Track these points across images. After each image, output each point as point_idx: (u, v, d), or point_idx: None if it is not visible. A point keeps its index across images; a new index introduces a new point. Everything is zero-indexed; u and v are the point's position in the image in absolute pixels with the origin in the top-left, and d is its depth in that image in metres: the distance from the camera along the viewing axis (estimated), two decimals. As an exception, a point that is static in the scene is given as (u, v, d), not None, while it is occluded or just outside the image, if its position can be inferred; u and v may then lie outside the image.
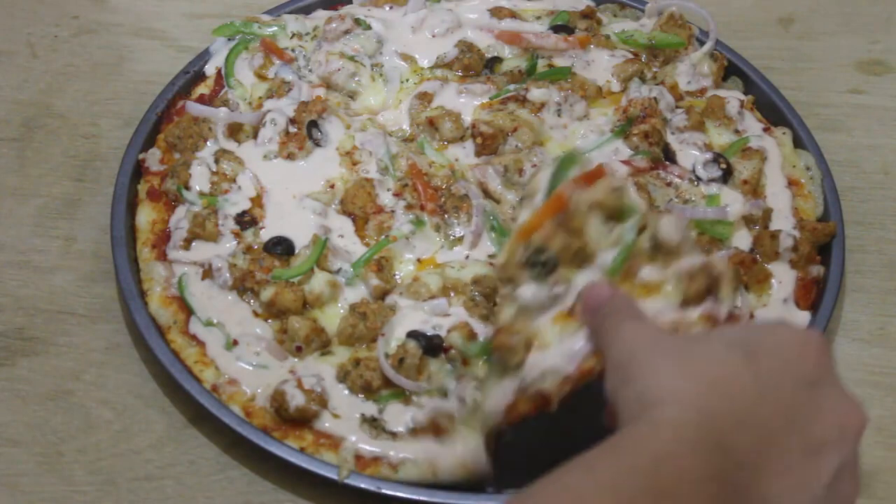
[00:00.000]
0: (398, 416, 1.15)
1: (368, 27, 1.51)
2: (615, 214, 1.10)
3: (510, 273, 1.09)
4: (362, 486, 1.12)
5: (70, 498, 1.14)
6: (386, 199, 1.34)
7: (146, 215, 1.34)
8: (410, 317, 1.23)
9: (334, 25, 1.50)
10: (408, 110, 1.45)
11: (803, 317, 1.26)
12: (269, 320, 1.24)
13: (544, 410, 1.05)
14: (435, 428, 1.14)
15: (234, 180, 1.35)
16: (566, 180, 1.11)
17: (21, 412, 1.20)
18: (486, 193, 1.36)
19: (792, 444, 0.83)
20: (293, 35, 1.53)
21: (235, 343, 1.22)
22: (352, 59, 1.47)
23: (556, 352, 1.05)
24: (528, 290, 1.08)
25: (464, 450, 1.13)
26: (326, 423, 1.16)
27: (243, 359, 1.21)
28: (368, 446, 1.14)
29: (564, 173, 1.13)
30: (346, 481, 1.12)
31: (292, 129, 1.39)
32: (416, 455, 1.13)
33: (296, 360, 1.21)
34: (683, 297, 1.06)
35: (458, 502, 1.12)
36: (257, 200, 1.34)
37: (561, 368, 1.04)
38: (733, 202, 1.33)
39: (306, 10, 1.57)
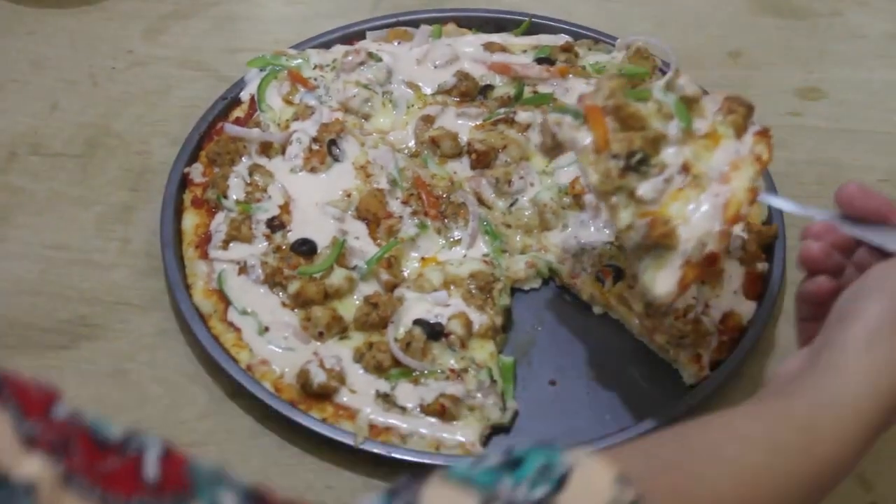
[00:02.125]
0: (408, 394, 1.16)
1: (380, 59, 1.51)
2: (632, 96, 1.04)
3: (614, 186, 1.02)
4: (375, 450, 1.12)
5: (127, 461, 1.14)
6: (395, 206, 1.34)
7: (190, 220, 1.34)
8: (416, 307, 1.23)
9: (350, 58, 1.50)
10: (413, 130, 1.45)
11: (750, 305, 1.27)
12: (296, 310, 1.24)
13: (713, 267, 1.01)
14: (441, 409, 1.14)
15: (265, 190, 1.35)
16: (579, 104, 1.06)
17: (85, 388, 1.21)
18: (481, 201, 1.36)
19: None
20: (315, 66, 1.53)
21: (267, 329, 1.22)
22: (365, 86, 1.47)
23: (697, 220, 0.99)
24: (647, 187, 1.01)
25: (464, 436, 1.13)
26: (344, 397, 1.16)
27: (273, 343, 1.21)
28: (381, 418, 1.14)
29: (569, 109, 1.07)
30: (362, 446, 1.12)
31: (315, 147, 1.39)
32: (424, 431, 1.13)
33: (318, 343, 1.21)
34: (735, 130, 1.02)
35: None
36: (285, 208, 1.34)
37: (712, 229, 0.99)
38: (691, 208, 1.33)
39: (326, 45, 1.57)
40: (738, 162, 1.03)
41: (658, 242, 1.00)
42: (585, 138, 1.04)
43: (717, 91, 1.07)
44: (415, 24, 1.59)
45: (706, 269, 1.01)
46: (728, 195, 1.01)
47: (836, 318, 0.85)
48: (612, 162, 1.02)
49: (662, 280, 1.01)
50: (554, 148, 1.09)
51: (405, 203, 1.34)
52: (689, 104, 1.04)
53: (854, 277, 0.93)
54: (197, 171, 1.39)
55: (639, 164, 1.01)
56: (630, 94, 1.05)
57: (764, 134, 1.05)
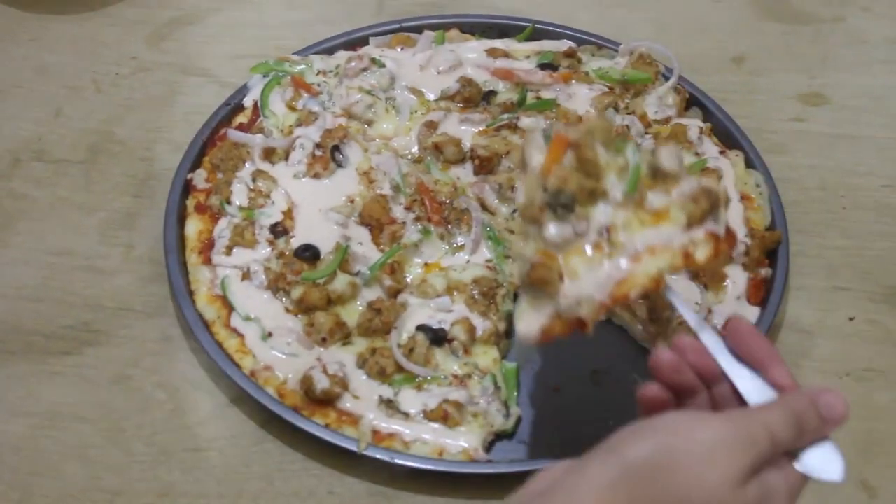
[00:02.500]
0: (411, 400, 1.16)
1: (383, 65, 1.52)
2: (608, 144, 1.03)
3: (532, 214, 1.01)
4: (378, 456, 1.12)
5: (130, 467, 1.15)
6: (398, 212, 1.34)
7: (194, 226, 1.35)
8: (419, 312, 1.23)
9: (354, 64, 1.51)
10: (416, 136, 1.45)
11: (753, 311, 1.27)
12: (299, 315, 1.24)
13: (581, 332, 0.98)
14: (444, 415, 1.14)
15: (268, 196, 1.35)
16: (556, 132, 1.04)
17: (89, 394, 1.21)
18: (484, 207, 1.36)
19: None
20: (319, 72, 1.53)
21: (270, 335, 1.22)
22: (369, 92, 1.48)
23: (587, 281, 0.98)
24: (554, 229, 1.00)
25: (468, 442, 1.13)
26: (347, 403, 1.16)
27: (277, 348, 1.21)
28: (384, 423, 1.14)
29: (547, 131, 1.06)
30: (365, 452, 1.12)
31: (318, 153, 1.39)
32: (427, 437, 1.13)
33: (321, 349, 1.21)
34: (688, 219, 0.99)
35: (461, 470, 1.12)
36: (288, 213, 1.34)
37: (594, 296, 0.97)
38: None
39: (330, 51, 1.58)
40: (660, 248, 0.99)
41: (534, 284, 1.00)
42: (539, 160, 1.04)
43: (704, 179, 1.02)
44: (418, 29, 1.60)
45: (573, 329, 0.98)
46: (627, 273, 0.98)
47: (607, 445, 0.79)
48: (540, 192, 1.01)
49: (528, 320, 1.00)
50: (523, 163, 1.07)
51: (408, 209, 1.35)
52: (661, 177, 1.01)
53: (704, 407, 0.88)
54: (200, 177, 1.39)
55: (560, 205, 1.00)
56: (613, 142, 1.03)
57: (716, 237, 1.00)
